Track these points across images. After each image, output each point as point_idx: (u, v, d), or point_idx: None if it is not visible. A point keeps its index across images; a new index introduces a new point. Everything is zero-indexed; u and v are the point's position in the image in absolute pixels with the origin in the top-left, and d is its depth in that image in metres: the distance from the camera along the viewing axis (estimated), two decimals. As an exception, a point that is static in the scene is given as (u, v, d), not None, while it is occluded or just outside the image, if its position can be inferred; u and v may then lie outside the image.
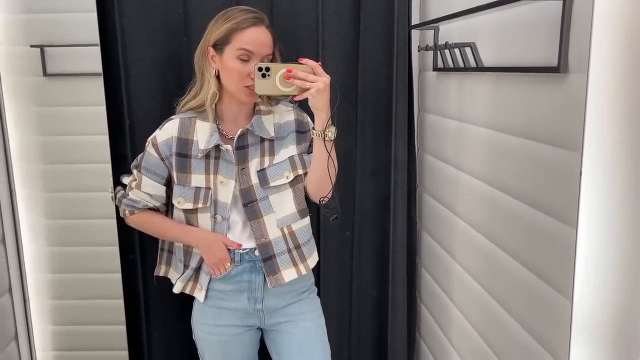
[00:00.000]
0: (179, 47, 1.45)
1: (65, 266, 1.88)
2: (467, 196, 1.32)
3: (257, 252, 1.27)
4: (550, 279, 0.95)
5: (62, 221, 1.85)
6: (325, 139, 1.19)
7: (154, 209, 1.34)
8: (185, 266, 1.31)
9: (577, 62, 0.84)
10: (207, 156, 1.25)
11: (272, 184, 1.26)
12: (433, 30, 1.45)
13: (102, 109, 1.45)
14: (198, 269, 1.31)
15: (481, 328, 1.26)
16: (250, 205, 1.26)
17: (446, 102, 1.44)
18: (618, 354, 0.83)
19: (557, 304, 0.92)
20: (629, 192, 0.78)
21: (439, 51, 1.42)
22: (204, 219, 1.26)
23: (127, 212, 1.34)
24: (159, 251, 1.40)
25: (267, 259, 1.27)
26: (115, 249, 1.55)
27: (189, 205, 1.25)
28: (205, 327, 1.32)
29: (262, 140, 1.27)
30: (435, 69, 1.48)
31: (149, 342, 1.61)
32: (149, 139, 1.27)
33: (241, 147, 1.25)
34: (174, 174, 1.26)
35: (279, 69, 1.14)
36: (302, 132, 1.31)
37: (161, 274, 1.39)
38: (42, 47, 1.74)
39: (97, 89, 1.58)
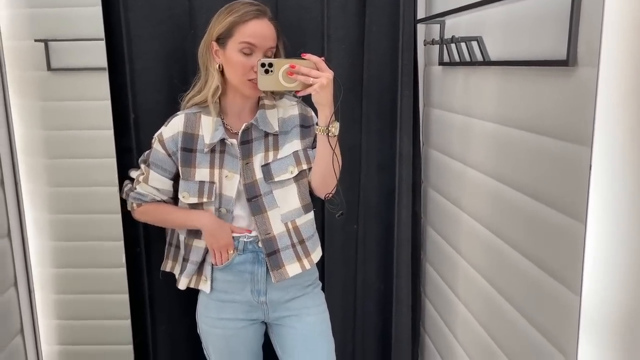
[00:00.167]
0: (184, 40, 1.44)
1: (70, 261, 1.88)
2: (473, 191, 1.31)
3: (260, 244, 1.27)
4: (558, 274, 0.94)
5: (66, 216, 1.85)
6: (329, 134, 1.19)
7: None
8: (185, 260, 1.31)
9: (586, 55, 0.83)
10: (212, 150, 1.25)
11: (276, 179, 1.26)
12: (439, 24, 1.44)
13: (106, 104, 1.44)
14: (202, 262, 1.31)
15: (486, 323, 1.26)
16: (255, 200, 1.25)
17: (452, 97, 1.44)
18: (627, 349, 0.82)
19: (565, 299, 0.91)
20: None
21: (445, 45, 1.41)
22: None
23: (134, 205, 1.34)
24: (166, 246, 1.40)
25: (271, 254, 1.27)
26: (120, 244, 1.55)
27: (194, 200, 1.25)
28: (209, 320, 1.32)
29: (267, 134, 1.27)
30: (441, 63, 1.47)
31: (154, 337, 1.62)
32: (156, 135, 1.28)
33: (245, 142, 1.25)
34: (180, 169, 1.26)
35: (282, 65, 1.14)
36: (306, 127, 1.31)
37: (167, 269, 1.39)
38: (46, 42, 1.74)
39: (101, 83, 1.58)
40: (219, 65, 1.22)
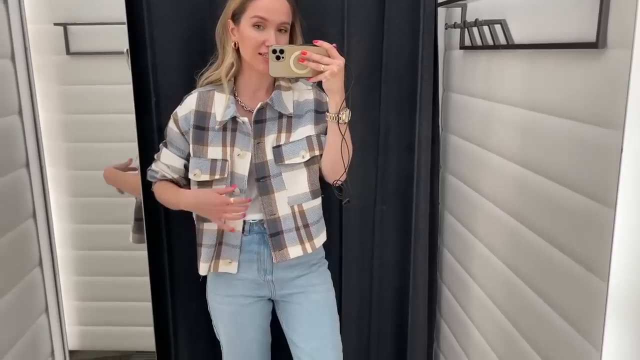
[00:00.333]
0: (205, 22, 1.44)
1: (90, 243, 1.91)
2: (494, 176, 1.31)
3: (265, 225, 1.28)
4: (584, 260, 0.94)
5: (86, 199, 1.87)
6: (339, 121, 1.19)
7: (174, 182, 1.34)
8: (200, 245, 1.32)
9: (617, 37, 0.82)
10: (224, 128, 1.26)
11: (286, 162, 1.26)
12: (460, 8, 1.42)
13: (125, 87, 1.45)
14: (219, 245, 1.31)
15: (505, 308, 1.26)
16: (263, 181, 1.26)
17: (473, 81, 1.42)
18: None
19: (591, 285, 0.91)
20: (670, 171, 0.77)
21: (466, 29, 1.40)
22: None
23: (154, 184, 1.36)
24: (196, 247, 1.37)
25: (274, 235, 1.28)
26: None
27: (206, 177, 1.25)
28: (218, 297, 1.35)
29: (281, 116, 1.27)
30: (463, 47, 1.46)
31: (174, 319, 1.64)
32: (172, 114, 1.29)
33: (259, 121, 1.26)
34: (191, 147, 1.27)
35: (293, 51, 1.14)
36: (320, 112, 1.31)
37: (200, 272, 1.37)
38: (65, 26, 1.75)
39: (119, 67, 1.58)
40: (235, 43, 1.23)
